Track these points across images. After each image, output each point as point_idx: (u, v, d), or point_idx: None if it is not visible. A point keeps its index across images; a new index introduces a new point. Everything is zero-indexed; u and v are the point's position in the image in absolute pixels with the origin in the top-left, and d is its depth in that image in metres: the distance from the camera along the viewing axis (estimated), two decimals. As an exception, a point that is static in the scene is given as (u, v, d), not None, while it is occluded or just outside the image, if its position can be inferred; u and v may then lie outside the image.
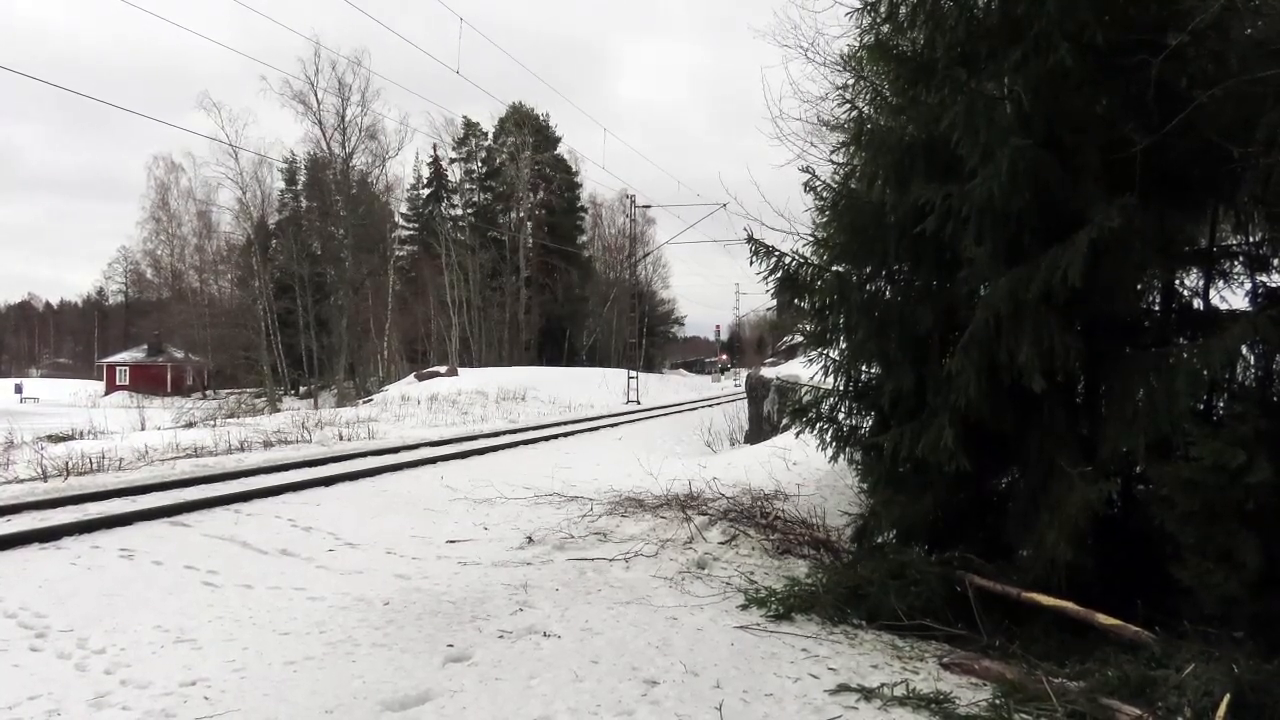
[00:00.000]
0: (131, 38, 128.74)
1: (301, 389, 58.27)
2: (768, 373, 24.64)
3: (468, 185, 67.63)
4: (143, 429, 21.73)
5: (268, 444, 16.68)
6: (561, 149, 66.67)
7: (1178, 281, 6.20)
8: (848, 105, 7.12)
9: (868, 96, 7.20)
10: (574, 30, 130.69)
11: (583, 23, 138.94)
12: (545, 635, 5.35)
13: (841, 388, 7.17)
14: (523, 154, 63.59)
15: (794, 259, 6.92)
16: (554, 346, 65.44)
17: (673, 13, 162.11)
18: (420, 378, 41.71)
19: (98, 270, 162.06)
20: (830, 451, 7.27)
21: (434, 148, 66.18)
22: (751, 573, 7.08)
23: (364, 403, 34.33)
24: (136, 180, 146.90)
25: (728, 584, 6.74)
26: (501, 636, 5.32)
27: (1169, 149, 5.34)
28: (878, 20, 6.47)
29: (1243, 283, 5.97)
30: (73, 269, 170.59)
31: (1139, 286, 6.06)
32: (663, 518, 8.92)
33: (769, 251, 6.92)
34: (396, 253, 62.14)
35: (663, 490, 10.56)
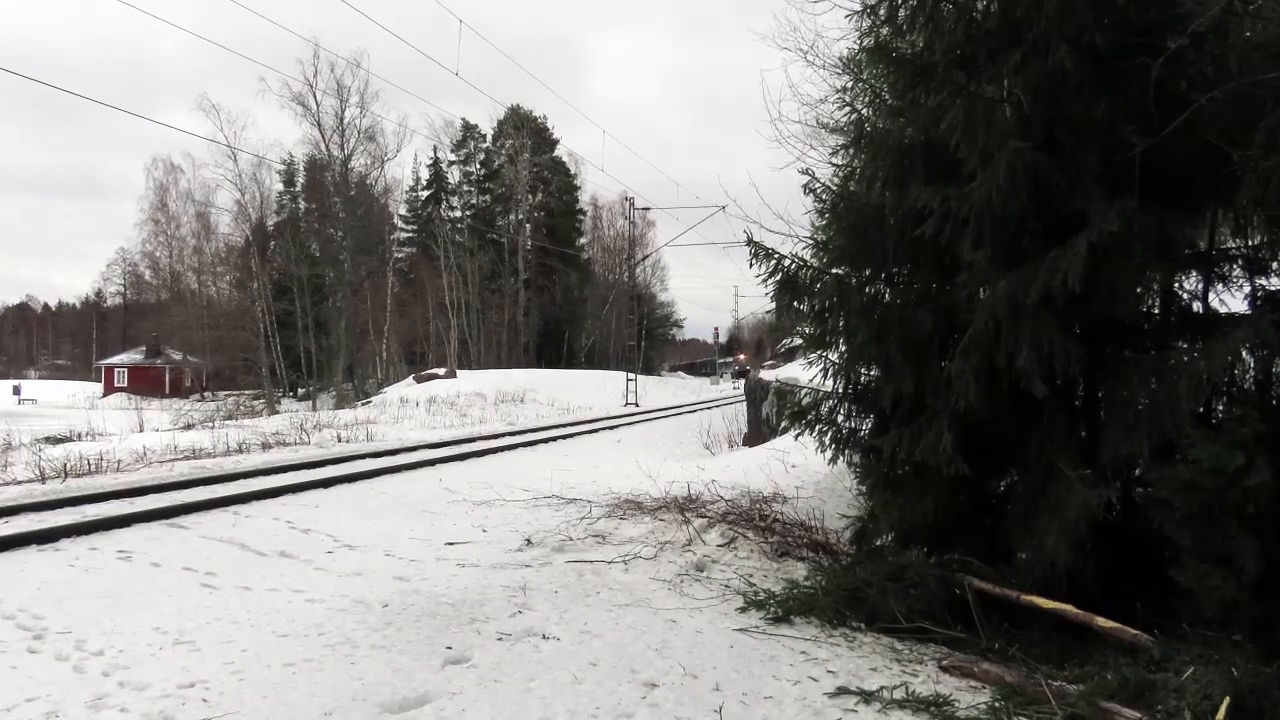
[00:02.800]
0: (120, 38, 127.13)
1: (300, 391, 58.21)
2: (766, 375, 24.62)
3: (466, 187, 67.69)
4: (141, 431, 21.69)
5: (266, 446, 16.66)
6: (560, 151, 66.82)
7: (1177, 284, 6.21)
8: (847, 108, 7.13)
9: (867, 99, 7.20)
10: (545, 26, 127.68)
11: (553, 17, 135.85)
12: (544, 637, 5.34)
13: (841, 390, 7.16)
14: (521, 156, 63.63)
15: (793, 261, 6.91)
16: (553, 349, 65.41)
17: (644, 7, 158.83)
18: (419, 380, 41.69)
19: (83, 271, 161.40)
20: (829, 454, 7.26)
21: (434, 149, 66.33)
22: (750, 575, 7.07)
23: (362, 405, 34.30)
24: (116, 179, 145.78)
25: (726, 586, 6.74)
26: (500, 639, 5.31)
27: (1168, 152, 5.34)
28: (877, 23, 6.47)
29: (1242, 285, 5.97)
30: (57, 269, 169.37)
31: (1139, 290, 6.06)
32: (661, 520, 8.91)
33: (768, 254, 6.92)
34: (395, 255, 62.16)
35: (661, 492, 10.54)
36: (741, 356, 73.43)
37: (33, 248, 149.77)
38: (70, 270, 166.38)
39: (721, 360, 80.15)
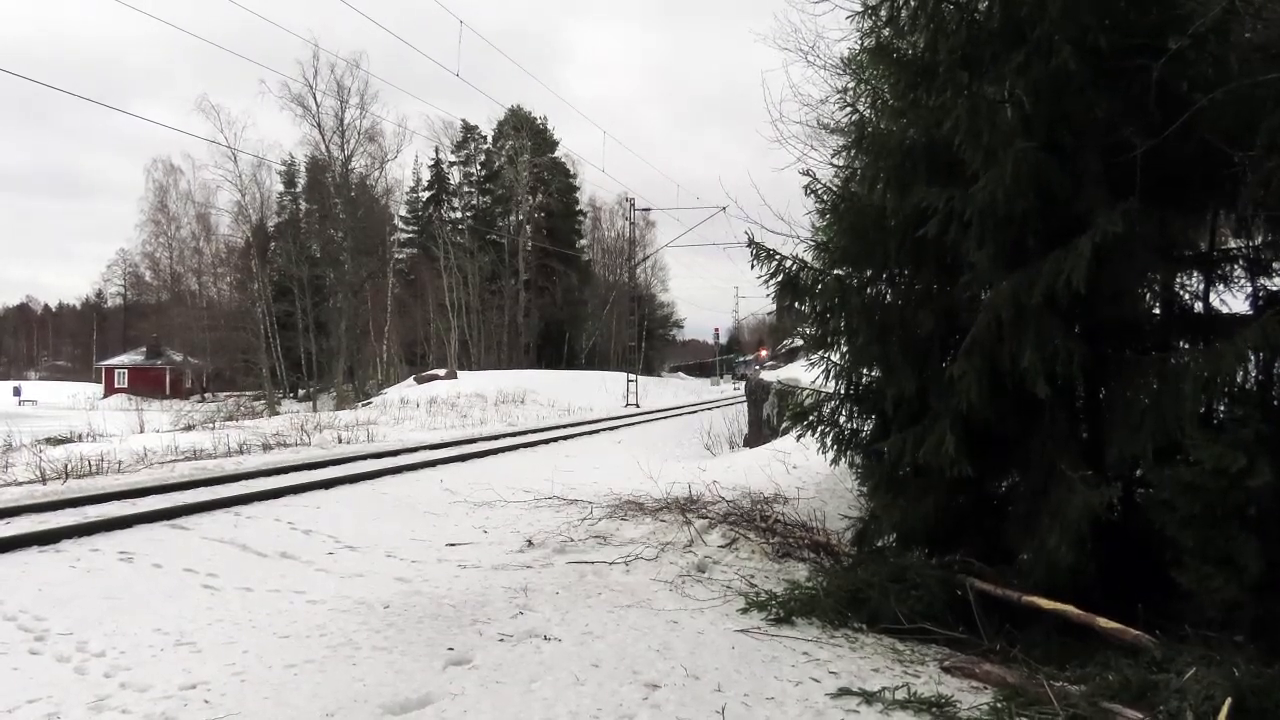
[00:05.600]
0: (82, 32, 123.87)
1: (300, 392, 58.19)
2: (767, 376, 24.64)
3: (466, 188, 67.73)
4: (141, 432, 21.70)
5: (267, 447, 16.65)
6: (560, 152, 66.79)
7: (1178, 285, 6.21)
8: (848, 108, 7.14)
9: (868, 99, 7.22)
10: (513, 22, 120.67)
11: (521, 13, 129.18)
12: (546, 639, 5.34)
13: (842, 391, 7.16)
14: (521, 157, 63.62)
15: (794, 262, 6.92)
16: (553, 349, 65.41)
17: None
18: (419, 380, 41.69)
19: (71, 271, 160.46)
20: (831, 455, 7.26)
21: (435, 150, 66.39)
22: (752, 576, 7.07)
23: (363, 406, 34.27)
24: (97, 178, 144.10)
25: (728, 587, 6.73)
26: (502, 640, 5.31)
27: (1170, 152, 5.34)
28: (878, 23, 6.48)
29: (1243, 286, 5.98)
30: (45, 269, 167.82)
31: (1141, 290, 6.06)
32: (662, 521, 8.91)
33: (770, 255, 6.92)
34: (396, 256, 62.19)
35: (662, 493, 10.54)
36: (763, 353, 62.74)
37: (19, 248, 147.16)
38: (58, 270, 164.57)
39: (741, 358, 75.35)
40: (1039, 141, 5.53)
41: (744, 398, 28.06)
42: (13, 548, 7.42)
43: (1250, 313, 5.73)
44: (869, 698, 4.58)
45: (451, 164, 67.65)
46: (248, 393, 54.93)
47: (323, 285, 55.89)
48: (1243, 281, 5.98)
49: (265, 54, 74.03)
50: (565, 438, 21.30)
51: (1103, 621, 5.14)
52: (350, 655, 4.98)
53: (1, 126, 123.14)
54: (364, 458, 15.13)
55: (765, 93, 26.82)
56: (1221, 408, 5.48)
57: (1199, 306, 6.11)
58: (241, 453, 15.61)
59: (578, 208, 70.93)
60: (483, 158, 67.51)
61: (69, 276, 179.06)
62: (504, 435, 20.90)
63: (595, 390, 39.17)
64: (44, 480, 11.60)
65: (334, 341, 52.92)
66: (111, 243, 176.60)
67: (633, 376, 40.56)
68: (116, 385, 66.25)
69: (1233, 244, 6.21)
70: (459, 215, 66.01)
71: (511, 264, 62.52)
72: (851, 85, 7.50)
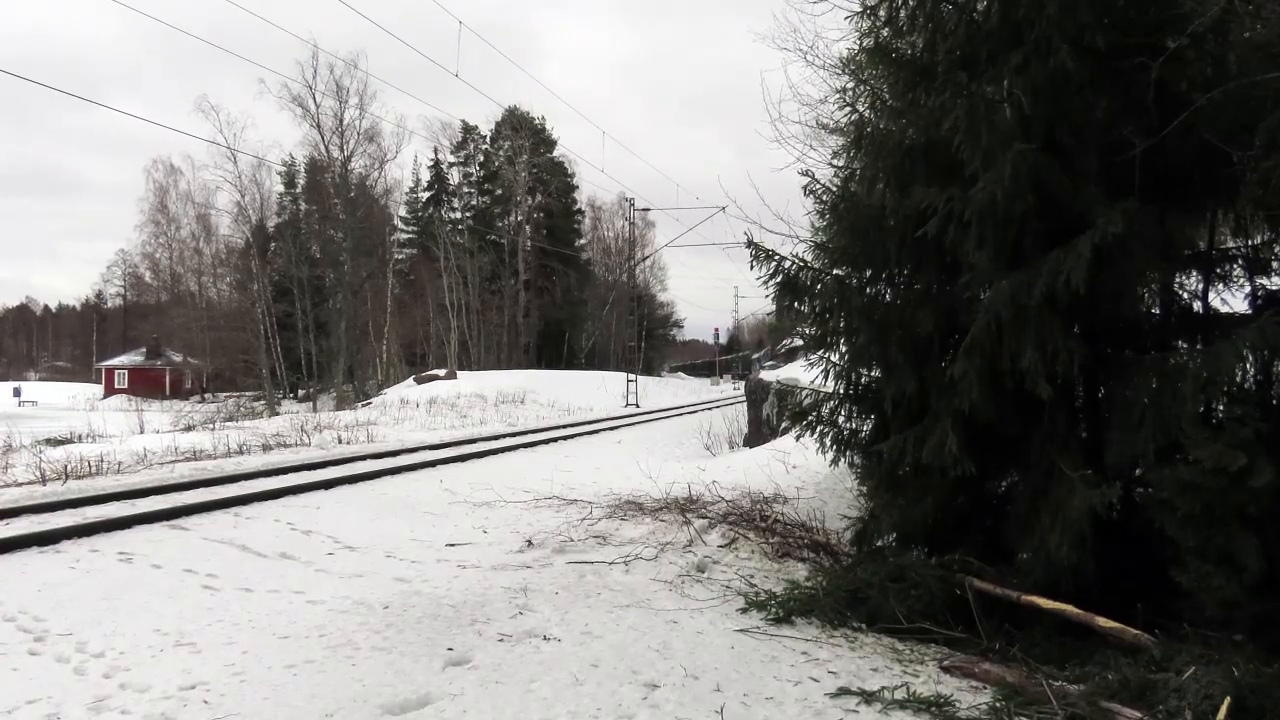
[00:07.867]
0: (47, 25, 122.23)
1: (300, 392, 58.16)
2: (767, 376, 24.63)
3: (466, 188, 67.68)
4: (141, 432, 21.71)
5: (266, 447, 16.65)
6: (558, 151, 66.70)
7: (1177, 284, 6.21)
8: (848, 108, 7.13)
9: (868, 99, 7.21)
10: (484, 12, 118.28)
11: (495, 5, 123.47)
12: (545, 639, 5.34)
13: (842, 391, 7.16)
14: (520, 157, 63.58)
15: (794, 263, 6.92)
16: (553, 349, 65.37)
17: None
18: (419, 381, 41.67)
19: (59, 270, 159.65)
20: (830, 455, 7.26)
21: (434, 150, 66.39)
22: (751, 576, 7.07)
23: (363, 406, 34.28)
24: (77, 177, 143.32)
25: (727, 587, 6.74)
26: (501, 640, 5.31)
27: (1169, 152, 5.34)
28: (877, 24, 6.49)
29: (1242, 285, 5.98)
30: (34, 269, 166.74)
31: (1141, 290, 6.07)
32: (662, 521, 8.92)
33: (769, 255, 6.92)
34: (395, 256, 62.16)
35: (662, 493, 10.55)
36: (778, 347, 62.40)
37: (5, 249, 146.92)
38: (46, 270, 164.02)
39: (755, 355, 73.38)
40: (1038, 141, 5.53)
41: (743, 398, 28.06)
42: (12, 548, 7.43)
43: (1249, 312, 5.74)
44: (868, 697, 4.58)
45: (451, 164, 67.67)
46: (247, 393, 54.89)
47: (323, 285, 55.89)
48: (1241, 281, 5.99)
49: (258, 52, 73.52)
50: (565, 438, 21.30)
51: (1102, 621, 5.15)
52: (350, 655, 4.98)
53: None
54: (364, 458, 15.13)
55: (764, 93, 26.78)
56: (1221, 407, 5.48)
57: (1198, 306, 6.11)
58: (241, 453, 15.61)
59: (576, 207, 70.89)
60: (481, 158, 67.44)
61: (56, 276, 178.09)
62: (504, 435, 20.89)
63: (595, 390, 39.16)
64: (44, 481, 11.60)
65: (334, 342, 52.90)
66: (97, 242, 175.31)
67: (632, 376, 40.54)
68: (116, 386, 66.25)
69: (1231, 243, 6.22)
70: (458, 215, 65.94)
71: (511, 264, 62.50)
72: (850, 85, 7.46)
